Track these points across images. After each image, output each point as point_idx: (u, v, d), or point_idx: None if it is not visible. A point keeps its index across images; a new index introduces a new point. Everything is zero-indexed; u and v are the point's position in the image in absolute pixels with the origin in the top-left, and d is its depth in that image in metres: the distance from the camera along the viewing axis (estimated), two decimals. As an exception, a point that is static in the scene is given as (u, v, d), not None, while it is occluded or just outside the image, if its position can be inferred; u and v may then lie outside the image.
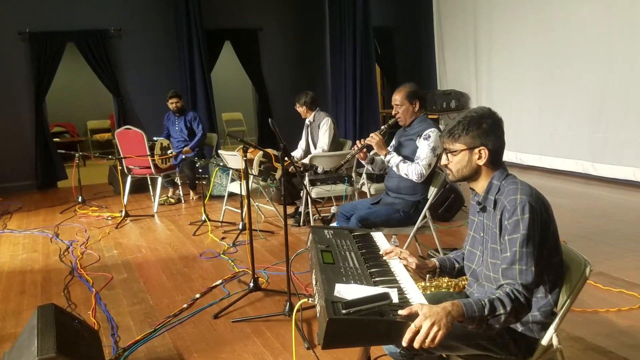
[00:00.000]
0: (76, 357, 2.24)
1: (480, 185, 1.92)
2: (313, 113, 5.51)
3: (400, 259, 2.06)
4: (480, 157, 1.85)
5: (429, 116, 3.95)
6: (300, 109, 5.53)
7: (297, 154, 5.67)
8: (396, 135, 3.78)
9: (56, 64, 7.60)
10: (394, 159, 3.53)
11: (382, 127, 3.77)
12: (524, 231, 1.70)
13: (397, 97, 3.56)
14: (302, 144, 5.69)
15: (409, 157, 3.55)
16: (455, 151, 1.88)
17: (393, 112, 3.62)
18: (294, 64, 9.32)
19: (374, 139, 3.55)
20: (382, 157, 3.62)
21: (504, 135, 1.88)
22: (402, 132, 3.70)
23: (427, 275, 2.20)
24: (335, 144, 5.50)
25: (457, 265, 2.12)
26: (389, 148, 3.66)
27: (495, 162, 1.88)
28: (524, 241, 1.70)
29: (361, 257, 2.04)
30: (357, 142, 3.67)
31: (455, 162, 1.89)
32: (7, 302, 3.76)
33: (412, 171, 3.46)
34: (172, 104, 6.42)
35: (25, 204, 6.83)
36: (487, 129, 1.84)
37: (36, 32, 7.40)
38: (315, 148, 5.51)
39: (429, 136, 3.45)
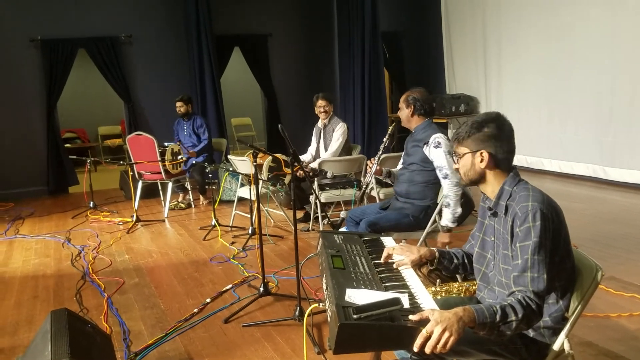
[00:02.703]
0: (89, 361, 2.26)
1: (491, 190, 1.92)
2: (329, 116, 5.52)
3: (398, 255, 2.06)
4: (482, 161, 1.87)
5: (437, 120, 3.98)
6: (329, 107, 5.47)
7: (306, 157, 5.68)
8: (406, 141, 3.79)
9: (67, 70, 7.68)
10: (449, 219, 3.42)
11: (382, 143, 3.81)
12: (536, 239, 1.70)
13: (400, 100, 3.65)
14: (311, 149, 5.70)
15: (417, 164, 3.55)
16: (460, 154, 1.92)
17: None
18: (302, 69, 9.35)
19: (443, 241, 3.49)
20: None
21: (509, 140, 1.88)
22: (410, 138, 3.71)
23: (438, 281, 2.20)
24: (345, 151, 5.52)
25: (455, 260, 2.12)
26: (403, 155, 3.73)
27: (502, 166, 1.88)
28: (536, 249, 1.70)
29: (371, 262, 2.04)
30: (369, 161, 3.71)
31: (462, 166, 1.93)
32: (20, 307, 3.79)
33: (452, 193, 3.40)
34: (176, 108, 6.53)
35: (37, 210, 6.89)
36: (489, 133, 1.86)
37: (48, 38, 7.48)
38: (326, 151, 5.52)
39: (440, 143, 3.42)
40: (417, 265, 2.08)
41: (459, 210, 3.43)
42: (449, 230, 3.46)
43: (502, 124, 1.88)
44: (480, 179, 1.92)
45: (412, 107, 3.55)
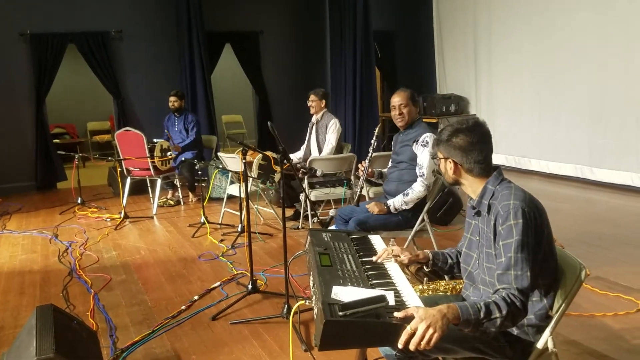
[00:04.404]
0: (74, 357, 2.24)
1: (471, 190, 1.97)
2: (322, 112, 5.52)
3: (394, 256, 2.08)
4: (451, 168, 1.94)
5: (428, 120, 3.99)
6: (316, 102, 5.48)
7: (298, 154, 5.69)
8: (393, 141, 3.79)
9: (57, 65, 7.61)
10: (397, 203, 3.49)
11: (371, 145, 3.81)
12: (518, 237, 1.72)
13: (400, 99, 3.56)
14: (304, 145, 5.70)
15: (406, 162, 3.56)
16: (437, 158, 1.99)
17: (393, 114, 3.64)
18: (294, 67, 9.34)
19: (373, 209, 3.53)
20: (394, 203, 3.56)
21: (482, 148, 1.89)
22: (398, 137, 3.71)
23: (425, 279, 2.21)
24: (336, 149, 5.53)
25: (449, 260, 2.14)
26: (392, 155, 3.72)
27: (475, 172, 1.91)
28: (519, 247, 1.72)
29: (359, 259, 2.05)
30: (360, 164, 3.72)
31: (441, 168, 1.99)
32: (6, 302, 3.76)
33: (417, 191, 3.45)
34: (170, 102, 6.52)
35: (24, 205, 6.83)
36: (457, 143, 1.90)
37: (37, 33, 7.41)
38: (318, 147, 5.51)
39: (427, 143, 3.45)
40: (412, 263, 2.10)
41: (409, 207, 3.50)
42: (387, 210, 3.51)
43: (474, 134, 1.89)
44: (455, 182, 1.98)
45: (419, 105, 3.55)
